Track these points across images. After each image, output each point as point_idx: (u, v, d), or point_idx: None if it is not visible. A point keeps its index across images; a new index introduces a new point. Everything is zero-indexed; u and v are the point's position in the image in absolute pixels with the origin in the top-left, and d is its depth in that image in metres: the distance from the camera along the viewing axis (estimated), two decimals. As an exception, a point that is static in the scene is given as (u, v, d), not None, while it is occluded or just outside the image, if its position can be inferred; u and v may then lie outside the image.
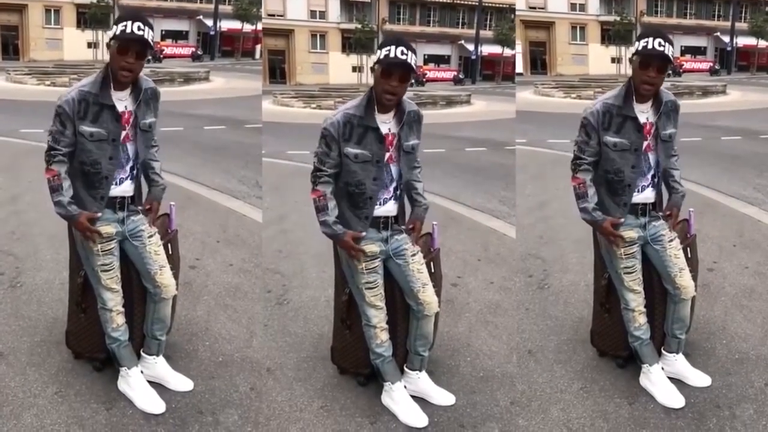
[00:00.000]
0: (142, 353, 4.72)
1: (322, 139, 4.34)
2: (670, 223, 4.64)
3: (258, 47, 40.10)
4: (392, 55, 4.20)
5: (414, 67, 4.26)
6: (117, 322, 4.54)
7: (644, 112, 4.50)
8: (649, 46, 4.36)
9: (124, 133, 4.35)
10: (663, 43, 4.36)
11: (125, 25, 4.22)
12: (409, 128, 4.43)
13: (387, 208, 4.43)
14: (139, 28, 4.22)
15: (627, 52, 40.70)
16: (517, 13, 39.74)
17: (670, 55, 4.38)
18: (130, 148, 4.41)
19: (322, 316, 5.74)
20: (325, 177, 4.33)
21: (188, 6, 42.25)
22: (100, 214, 4.36)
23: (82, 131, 4.26)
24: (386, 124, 4.36)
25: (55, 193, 4.28)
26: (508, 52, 40.06)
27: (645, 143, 4.51)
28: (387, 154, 4.37)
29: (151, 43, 4.28)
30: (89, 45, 38.80)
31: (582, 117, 4.55)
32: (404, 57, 4.20)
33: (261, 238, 7.53)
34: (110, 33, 4.27)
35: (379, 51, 4.27)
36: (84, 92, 4.28)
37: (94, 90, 4.28)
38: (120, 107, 4.32)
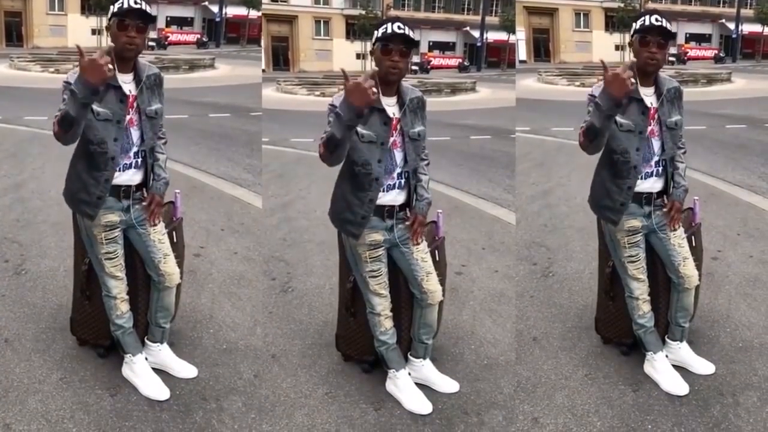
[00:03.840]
0: (146, 341, 4.73)
1: (331, 113, 4.18)
2: (666, 213, 4.59)
3: (263, 34, 40.08)
4: (389, 30, 4.19)
5: (413, 39, 4.23)
6: (121, 310, 4.55)
7: (648, 96, 4.48)
8: (647, 23, 4.36)
9: (128, 117, 4.30)
10: (660, 18, 4.37)
11: (122, 2, 4.18)
12: (413, 114, 4.40)
13: (391, 196, 4.39)
14: (135, 2, 4.18)
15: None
16: (519, -1, 39.65)
17: (669, 29, 4.38)
18: (134, 133, 4.34)
19: (327, 304, 5.76)
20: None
21: (193, -8, 42.22)
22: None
23: (91, 108, 4.16)
24: (390, 107, 4.33)
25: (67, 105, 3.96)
26: (513, 38, 39.98)
27: (649, 128, 4.49)
28: (391, 139, 4.33)
29: (151, 14, 4.25)
30: (93, 32, 38.77)
31: (588, 94, 4.47)
32: (401, 30, 4.19)
33: (263, 225, 7.54)
34: (109, 15, 4.21)
35: (376, 32, 4.27)
36: None
37: None
38: (125, 89, 4.27)
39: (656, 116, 4.49)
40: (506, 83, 29.72)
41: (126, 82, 4.29)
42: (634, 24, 4.46)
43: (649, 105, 4.47)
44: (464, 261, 6.75)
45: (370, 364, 4.80)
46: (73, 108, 3.95)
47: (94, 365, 4.75)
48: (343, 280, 4.74)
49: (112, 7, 4.21)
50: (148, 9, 4.23)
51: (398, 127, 4.35)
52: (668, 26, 4.37)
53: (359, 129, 4.23)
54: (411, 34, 4.23)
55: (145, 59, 4.42)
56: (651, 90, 4.49)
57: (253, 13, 41.27)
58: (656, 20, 4.35)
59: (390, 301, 4.56)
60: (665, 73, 4.61)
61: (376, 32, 4.28)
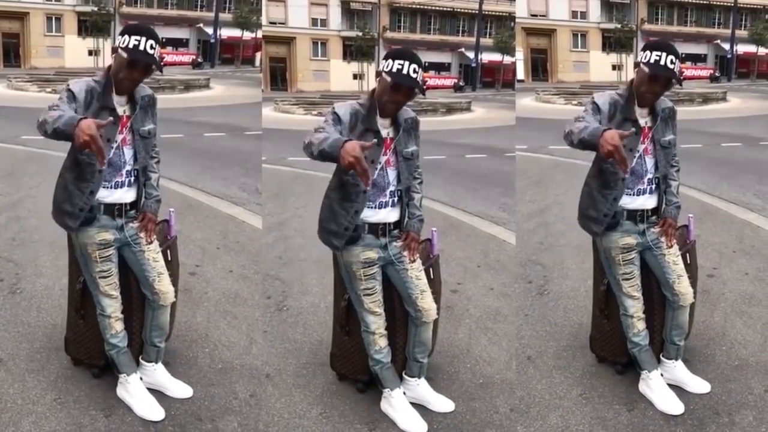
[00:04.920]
0: (141, 360, 4.71)
1: (329, 115, 4.22)
2: (661, 231, 4.61)
3: (258, 55, 40.18)
4: (405, 71, 4.17)
5: (422, 87, 4.25)
6: (116, 329, 4.53)
7: (643, 117, 4.50)
8: (662, 62, 4.31)
9: (121, 137, 4.34)
10: (674, 60, 4.32)
11: (138, 41, 4.18)
12: (407, 135, 4.43)
13: (385, 214, 4.41)
14: (151, 47, 4.20)
15: (628, 59, 40.99)
16: (517, 20, 39.84)
17: (678, 73, 4.35)
18: (127, 152, 4.39)
19: (322, 323, 5.74)
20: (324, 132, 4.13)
21: (189, 14, 42.40)
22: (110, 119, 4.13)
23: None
24: (385, 129, 4.35)
25: (56, 118, 3.87)
26: (507, 59, 40.15)
27: (642, 146, 4.51)
28: (385, 158, 4.36)
29: (159, 62, 4.27)
30: (90, 53, 38.92)
31: (591, 97, 4.49)
32: (415, 76, 4.18)
33: (259, 243, 7.54)
34: (120, 40, 4.21)
35: (390, 61, 4.21)
36: (92, 85, 4.25)
37: (99, 88, 4.26)
38: (119, 111, 4.31)
39: (650, 135, 4.52)
40: (501, 103, 29.83)
41: (120, 104, 4.33)
42: (648, 52, 4.37)
43: (642, 125, 4.49)
44: (460, 279, 6.74)
45: (364, 383, 4.78)
46: (50, 126, 3.87)
47: (89, 386, 4.73)
48: (338, 298, 4.73)
49: (126, 37, 4.19)
50: (158, 55, 4.23)
51: (392, 146, 4.38)
52: (678, 69, 4.33)
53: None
54: (422, 77, 4.21)
55: None
56: (646, 110, 4.51)
57: (247, 35, 41.38)
58: (671, 62, 4.31)
59: (384, 319, 4.55)
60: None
61: (390, 61, 4.21)
